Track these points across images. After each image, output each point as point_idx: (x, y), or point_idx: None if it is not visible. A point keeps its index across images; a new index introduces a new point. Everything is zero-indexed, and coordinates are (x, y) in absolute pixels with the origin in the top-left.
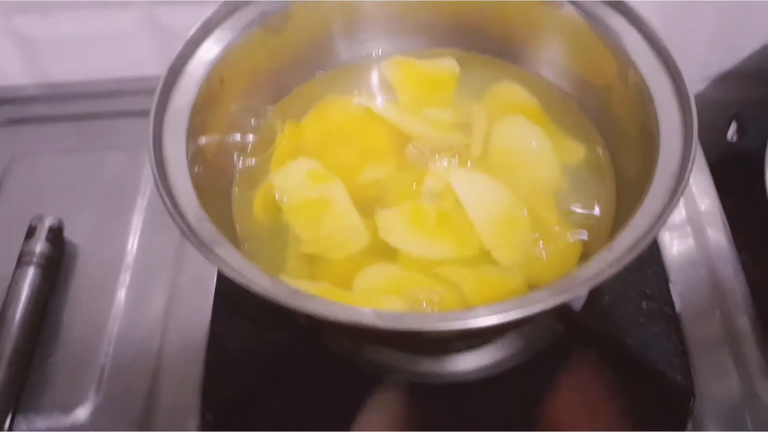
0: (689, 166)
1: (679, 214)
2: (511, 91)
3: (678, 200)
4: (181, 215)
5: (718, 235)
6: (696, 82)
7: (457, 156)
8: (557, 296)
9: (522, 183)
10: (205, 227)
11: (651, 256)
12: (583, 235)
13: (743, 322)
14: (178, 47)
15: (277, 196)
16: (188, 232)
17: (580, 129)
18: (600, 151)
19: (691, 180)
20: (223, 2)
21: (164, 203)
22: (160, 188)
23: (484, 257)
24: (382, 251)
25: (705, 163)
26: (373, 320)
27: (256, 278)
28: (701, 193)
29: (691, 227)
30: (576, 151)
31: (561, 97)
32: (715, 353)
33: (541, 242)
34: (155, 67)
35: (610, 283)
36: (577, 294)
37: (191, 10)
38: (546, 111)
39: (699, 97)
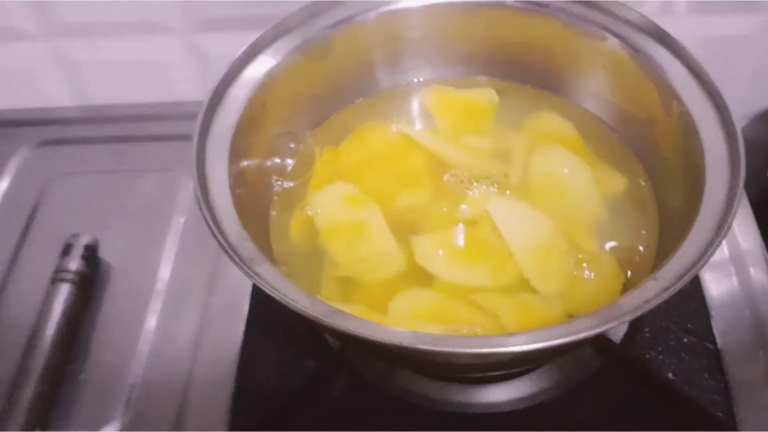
0: (737, 198)
1: (721, 252)
2: (550, 122)
3: (727, 232)
4: (222, 233)
5: (760, 274)
6: (736, 120)
7: (495, 184)
8: (602, 324)
9: (561, 212)
10: (246, 246)
11: (692, 291)
12: (624, 267)
13: None
14: (223, 70)
15: (314, 219)
16: (229, 249)
17: (621, 161)
18: (642, 183)
19: (736, 223)
20: (268, 29)
21: (206, 221)
22: (202, 207)
23: (522, 286)
24: (418, 276)
25: (747, 201)
26: (411, 341)
27: (295, 296)
28: (743, 231)
29: (733, 266)
30: (617, 183)
31: (602, 129)
32: (758, 391)
33: (581, 272)
34: (193, 93)
35: (651, 317)
36: (622, 322)
37: (231, 38)
38: (587, 142)
39: None
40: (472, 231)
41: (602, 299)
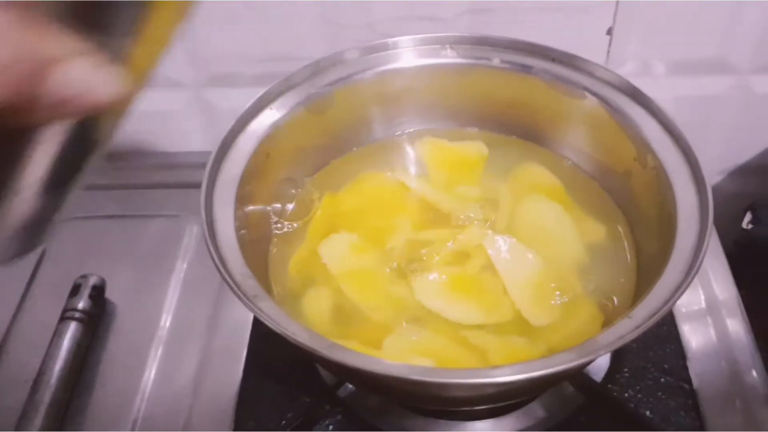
0: (705, 244)
1: (697, 301)
2: (535, 172)
3: (695, 275)
4: (229, 272)
5: (735, 322)
6: (713, 175)
7: (487, 229)
8: (580, 358)
9: (545, 257)
10: (249, 283)
11: (669, 334)
12: (604, 309)
13: (760, 407)
14: (231, 122)
15: (325, 263)
16: (235, 287)
17: (601, 209)
18: (621, 229)
19: (709, 269)
20: (273, 85)
21: (213, 261)
22: (210, 247)
23: (512, 326)
24: (413, 314)
25: (722, 252)
26: (404, 372)
27: (295, 330)
28: (719, 281)
29: (709, 315)
30: (597, 231)
31: (583, 178)
32: (732, 428)
33: (564, 312)
34: (200, 143)
35: (630, 358)
36: (598, 356)
37: (237, 93)
38: (569, 191)
39: (716, 189)
40: (467, 270)
41: (582, 338)
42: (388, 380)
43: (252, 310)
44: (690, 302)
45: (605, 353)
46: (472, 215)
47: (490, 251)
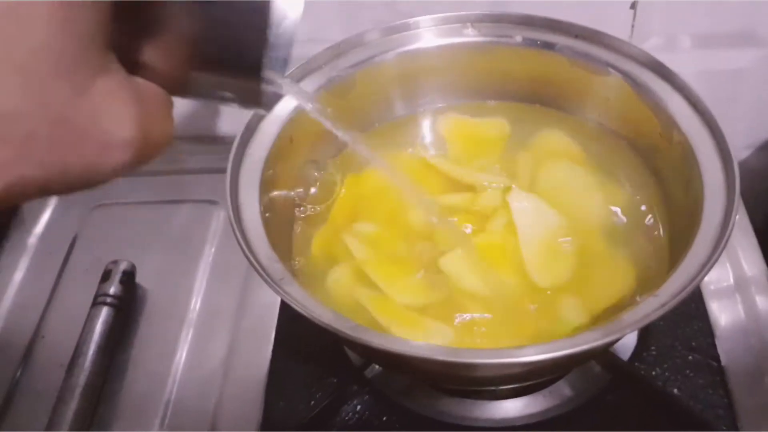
0: (732, 220)
1: (726, 278)
2: (556, 139)
3: (722, 251)
4: (255, 255)
5: (764, 299)
6: (740, 150)
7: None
8: (604, 337)
9: (571, 216)
10: (275, 267)
11: (697, 312)
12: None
13: None
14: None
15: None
16: (261, 270)
17: (628, 173)
18: (648, 197)
19: (738, 246)
20: (296, 68)
21: (239, 245)
22: (236, 231)
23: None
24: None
25: (751, 229)
26: (428, 353)
27: (320, 313)
28: (747, 257)
29: (738, 291)
30: (623, 193)
31: (610, 143)
32: (761, 405)
33: (590, 272)
34: (229, 128)
35: (658, 336)
36: (623, 335)
37: None
38: (593, 156)
39: (743, 164)
40: (489, 235)
41: (616, 297)
42: (412, 360)
43: (278, 293)
44: (718, 279)
45: (630, 332)
46: (494, 184)
47: (512, 205)
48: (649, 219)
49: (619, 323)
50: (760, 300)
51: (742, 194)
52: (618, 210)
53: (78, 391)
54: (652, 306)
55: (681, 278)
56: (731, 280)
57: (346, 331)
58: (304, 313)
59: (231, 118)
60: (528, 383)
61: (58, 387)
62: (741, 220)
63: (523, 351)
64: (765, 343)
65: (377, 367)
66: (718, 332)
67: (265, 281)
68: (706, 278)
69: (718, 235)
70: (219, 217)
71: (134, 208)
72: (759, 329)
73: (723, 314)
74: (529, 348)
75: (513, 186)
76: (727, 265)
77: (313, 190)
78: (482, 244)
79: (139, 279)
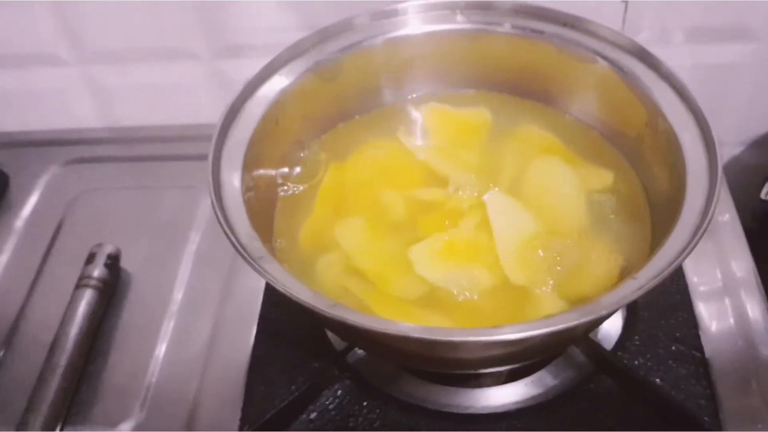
0: (713, 205)
1: (715, 280)
2: (537, 132)
3: (701, 236)
4: (235, 234)
5: (751, 297)
6: (731, 146)
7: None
8: (581, 317)
9: (548, 214)
10: (255, 245)
11: (682, 303)
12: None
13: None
14: (240, 88)
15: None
16: (241, 249)
17: (609, 163)
18: (631, 183)
19: (727, 246)
20: (282, 51)
21: (220, 223)
22: (217, 210)
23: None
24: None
25: (741, 230)
26: (405, 331)
27: (298, 291)
28: (737, 258)
29: (726, 294)
30: (604, 177)
31: (591, 135)
32: (743, 396)
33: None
34: (215, 116)
35: (642, 326)
36: (599, 315)
37: (252, 64)
38: (575, 149)
39: (734, 161)
40: (462, 231)
41: (599, 287)
42: (389, 340)
43: (257, 270)
44: (707, 280)
45: (607, 313)
46: (470, 178)
47: (489, 206)
48: (632, 208)
49: (596, 304)
50: (748, 301)
51: (733, 191)
52: (600, 200)
53: (59, 371)
54: (630, 288)
55: (661, 262)
56: (720, 282)
57: (324, 309)
58: (283, 291)
59: (219, 105)
60: (510, 367)
61: (38, 369)
62: (731, 220)
63: (500, 330)
64: (751, 342)
65: (359, 352)
66: (703, 326)
67: (245, 259)
68: (695, 279)
69: (699, 220)
70: (205, 204)
71: (121, 193)
72: (746, 330)
73: (710, 313)
74: (506, 327)
75: (490, 185)
76: (716, 266)
77: (297, 169)
78: (454, 241)
79: (124, 263)
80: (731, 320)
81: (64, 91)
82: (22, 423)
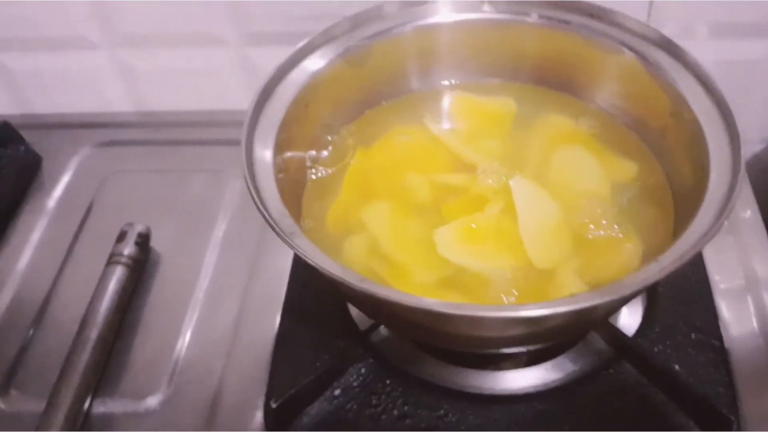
0: (736, 192)
1: (737, 278)
2: (562, 120)
3: (723, 221)
4: (267, 210)
5: None
6: (753, 144)
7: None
8: (603, 297)
9: (574, 199)
10: (286, 222)
11: (702, 293)
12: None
13: None
14: (272, 71)
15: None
16: (273, 223)
17: (634, 154)
18: (655, 174)
19: (749, 244)
20: (314, 36)
21: (253, 199)
22: (250, 187)
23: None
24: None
25: (763, 228)
26: (431, 305)
27: (329, 265)
28: (759, 258)
29: (748, 291)
30: (628, 169)
31: (615, 126)
32: (762, 385)
33: (596, 247)
34: (242, 102)
35: (661, 314)
36: (620, 295)
37: (279, 52)
38: (598, 137)
39: (755, 159)
40: (486, 216)
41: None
42: (415, 314)
43: (289, 244)
44: (729, 278)
45: (630, 293)
46: (495, 165)
47: (514, 191)
48: (654, 197)
49: (619, 284)
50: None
51: (755, 188)
52: (623, 189)
53: (90, 344)
54: (653, 270)
55: (683, 247)
56: (741, 278)
57: (354, 282)
58: (313, 263)
59: (246, 91)
60: (531, 347)
61: (69, 343)
62: (752, 217)
63: (524, 307)
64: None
65: (383, 332)
66: (723, 317)
67: (277, 233)
68: (716, 276)
69: (721, 208)
70: (232, 187)
71: (151, 175)
72: (766, 323)
73: (730, 305)
74: (530, 304)
75: (515, 172)
76: (738, 262)
77: (325, 153)
78: (478, 224)
79: (154, 243)
80: (751, 314)
81: (95, 75)
82: (54, 393)
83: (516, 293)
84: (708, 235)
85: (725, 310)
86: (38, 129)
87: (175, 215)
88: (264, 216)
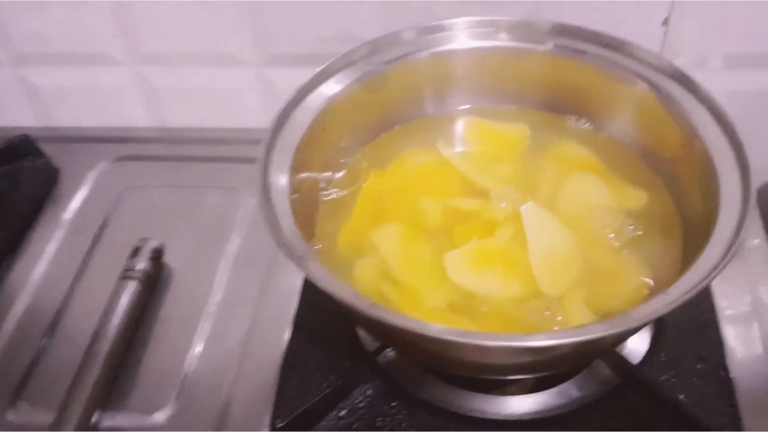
0: (744, 227)
1: (744, 304)
2: (575, 148)
3: (733, 255)
4: (280, 232)
5: None
6: (765, 173)
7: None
8: (611, 329)
9: (583, 229)
10: (299, 244)
11: (709, 322)
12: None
13: None
14: (291, 95)
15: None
16: (285, 246)
17: (645, 184)
18: (665, 204)
19: (757, 272)
20: (332, 61)
21: (267, 221)
22: (264, 209)
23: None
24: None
25: None
26: (438, 333)
27: (339, 289)
28: (766, 285)
29: (755, 318)
30: (639, 197)
31: (627, 155)
32: None
33: (603, 280)
34: (259, 121)
35: (668, 343)
36: (628, 327)
37: (297, 73)
38: (610, 166)
39: (766, 188)
40: (497, 241)
41: (628, 304)
42: (422, 340)
43: (300, 267)
44: (735, 304)
45: (637, 325)
46: (507, 190)
47: (525, 218)
48: (664, 228)
49: (627, 316)
50: None
51: (765, 217)
52: (634, 218)
53: (101, 358)
54: (660, 303)
55: (691, 279)
56: (748, 306)
57: (363, 308)
58: (324, 288)
59: (264, 111)
60: (537, 375)
61: (81, 355)
62: (761, 245)
63: (531, 337)
64: None
65: (390, 354)
66: (729, 347)
67: (288, 256)
68: (723, 302)
69: (731, 241)
70: (247, 206)
71: (167, 191)
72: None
73: (738, 335)
74: (537, 334)
75: (527, 198)
76: (745, 290)
77: (339, 174)
78: (488, 249)
79: (167, 259)
80: (758, 344)
81: (116, 91)
82: (64, 405)
83: (524, 320)
84: (717, 269)
85: (732, 338)
86: (58, 142)
87: (190, 231)
88: (276, 240)
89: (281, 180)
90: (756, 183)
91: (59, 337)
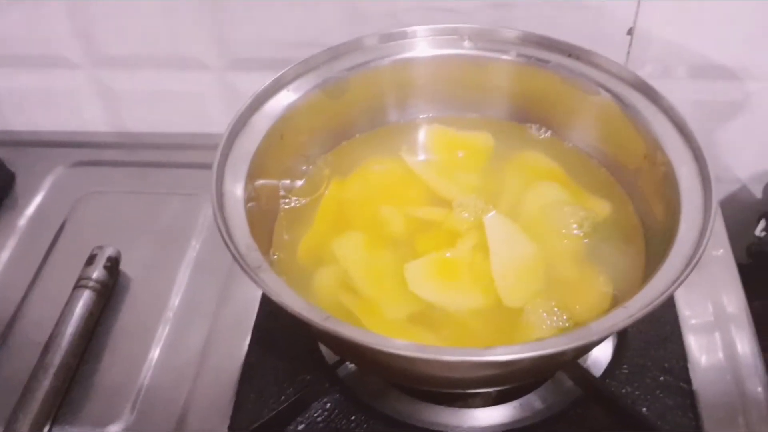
0: (705, 239)
1: (706, 314)
2: (538, 158)
3: (692, 268)
4: (234, 243)
5: (742, 335)
6: (729, 183)
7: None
8: (570, 343)
9: (546, 239)
10: (254, 255)
11: (672, 335)
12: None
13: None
14: (248, 100)
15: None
16: (239, 258)
17: (607, 193)
18: (628, 214)
19: (720, 282)
20: (291, 66)
21: (220, 232)
22: (218, 219)
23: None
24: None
25: (734, 266)
26: (395, 348)
27: (293, 302)
28: (729, 294)
29: (717, 328)
30: (602, 207)
31: (590, 165)
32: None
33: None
34: (221, 126)
35: (630, 355)
36: (589, 341)
37: (260, 77)
38: (573, 176)
39: (731, 198)
40: (458, 252)
41: (591, 314)
42: (379, 355)
43: (254, 280)
44: (698, 314)
45: (597, 339)
46: (470, 200)
47: (488, 228)
48: (627, 238)
49: (586, 330)
50: (738, 336)
51: (729, 227)
52: (596, 228)
53: (52, 370)
54: (621, 316)
55: (652, 292)
56: (711, 316)
57: (317, 321)
58: (278, 301)
59: (226, 116)
60: (498, 388)
61: (31, 368)
62: (725, 255)
63: (490, 351)
64: (739, 378)
65: (350, 367)
66: (692, 359)
67: (242, 268)
68: (687, 311)
69: (692, 253)
70: (206, 212)
71: (124, 197)
72: (735, 365)
73: (700, 346)
74: (497, 348)
75: (490, 207)
76: (708, 299)
77: (299, 182)
78: (450, 260)
79: (124, 266)
80: (720, 354)
81: (74, 94)
82: (12, 420)
83: (484, 332)
84: (677, 282)
85: (695, 349)
86: (13, 146)
87: (148, 238)
88: (230, 249)
89: (237, 188)
90: (719, 194)
91: (10, 348)
